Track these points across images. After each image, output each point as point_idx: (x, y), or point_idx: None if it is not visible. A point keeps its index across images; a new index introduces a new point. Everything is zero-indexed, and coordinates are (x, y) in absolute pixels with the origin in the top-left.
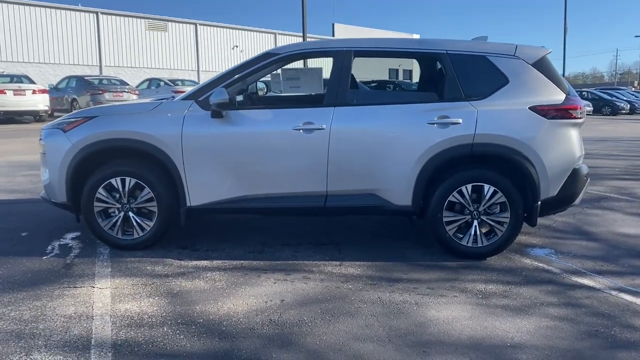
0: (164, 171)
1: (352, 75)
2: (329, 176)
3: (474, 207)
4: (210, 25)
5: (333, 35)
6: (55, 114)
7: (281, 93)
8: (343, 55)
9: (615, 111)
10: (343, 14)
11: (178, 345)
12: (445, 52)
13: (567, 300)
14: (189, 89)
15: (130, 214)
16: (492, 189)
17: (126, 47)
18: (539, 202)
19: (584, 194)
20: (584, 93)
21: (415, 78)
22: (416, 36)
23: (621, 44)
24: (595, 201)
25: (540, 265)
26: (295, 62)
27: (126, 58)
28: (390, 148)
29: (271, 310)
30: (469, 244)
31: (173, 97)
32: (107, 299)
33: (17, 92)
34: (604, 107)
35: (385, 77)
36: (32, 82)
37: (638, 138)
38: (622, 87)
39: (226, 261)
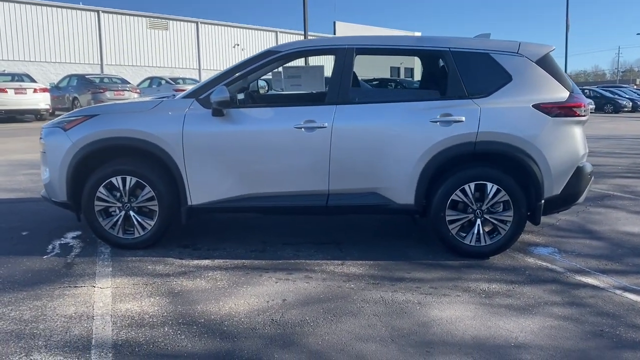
0: (164, 170)
1: (354, 73)
2: (330, 175)
3: (477, 206)
4: (211, 24)
5: (334, 34)
6: (57, 112)
7: (282, 91)
8: (345, 53)
9: (617, 109)
10: (344, 12)
11: (179, 345)
12: (448, 49)
13: (571, 300)
14: (190, 88)
15: (131, 213)
16: (495, 187)
17: (127, 46)
18: (543, 201)
19: (588, 192)
20: (585, 91)
21: (417, 76)
22: (418, 34)
23: (623, 41)
24: (599, 199)
25: (544, 264)
26: (297, 60)
27: (127, 56)
28: (392, 146)
29: (273, 310)
30: (472, 243)
31: (174, 95)
32: (107, 298)
33: (18, 90)
34: (606, 105)
35: (387, 76)
36: (33, 80)
37: None
38: (624, 85)
39: (227, 260)
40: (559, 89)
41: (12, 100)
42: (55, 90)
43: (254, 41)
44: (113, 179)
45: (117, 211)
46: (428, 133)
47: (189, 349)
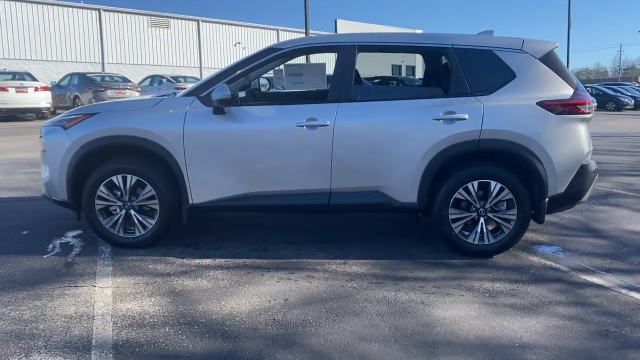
0: (165, 168)
1: (356, 70)
2: (332, 173)
3: (481, 204)
4: (212, 22)
5: (335, 31)
6: (58, 111)
7: (284, 89)
8: (347, 50)
9: (619, 107)
10: (345, 10)
11: (180, 345)
12: (451, 46)
13: (576, 299)
14: (191, 86)
15: (132, 211)
16: (498, 185)
17: (128, 44)
18: (547, 199)
19: (592, 190)
20: (588, 88)
21: (419, 74)
22: (419, 31)
23: (625, 39)
24: (602, 197)
25: (548, 263)
26: (298, 58)
27: (128, 55)
28: (395, 144)
29: (275, 310)
30: (475, 242)
31: (175, 93)
32: (108, 298)
33: (19, 89)
34: (608, 102)
35: (388, 74)
36: (34, 79)
37: None
38: (626, 83)
39: (229, 259)
40: (563, 86)
41: (13, 98)
42: (56, 88)
43: (255, 39)
44: (113, 178)
45: (118, 210)
46: (431, 131)
47: (190, 349)
